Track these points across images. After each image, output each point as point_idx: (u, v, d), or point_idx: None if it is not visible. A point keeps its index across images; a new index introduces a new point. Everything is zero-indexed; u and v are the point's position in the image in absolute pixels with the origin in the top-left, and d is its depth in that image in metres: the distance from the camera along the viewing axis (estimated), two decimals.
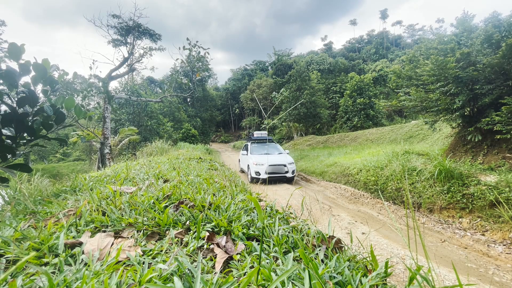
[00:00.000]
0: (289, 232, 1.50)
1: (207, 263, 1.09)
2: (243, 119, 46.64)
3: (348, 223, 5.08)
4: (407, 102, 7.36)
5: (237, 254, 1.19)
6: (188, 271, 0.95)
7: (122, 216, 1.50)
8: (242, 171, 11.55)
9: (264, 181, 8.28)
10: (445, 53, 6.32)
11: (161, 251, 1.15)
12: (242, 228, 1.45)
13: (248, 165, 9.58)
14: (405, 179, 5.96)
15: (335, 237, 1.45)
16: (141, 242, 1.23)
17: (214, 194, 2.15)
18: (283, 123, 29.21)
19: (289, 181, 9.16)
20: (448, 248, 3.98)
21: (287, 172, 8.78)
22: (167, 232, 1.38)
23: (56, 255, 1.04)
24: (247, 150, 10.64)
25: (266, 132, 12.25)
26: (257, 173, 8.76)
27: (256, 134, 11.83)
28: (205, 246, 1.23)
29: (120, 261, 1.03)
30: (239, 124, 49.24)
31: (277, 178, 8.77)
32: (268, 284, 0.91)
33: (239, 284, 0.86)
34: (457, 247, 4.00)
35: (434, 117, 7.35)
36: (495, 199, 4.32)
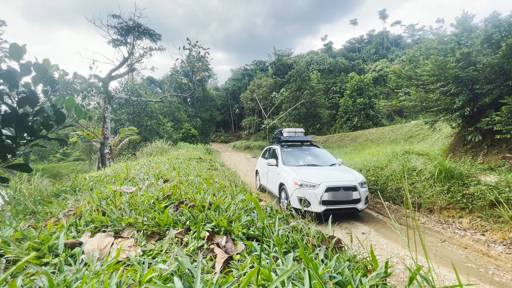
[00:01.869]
0: (289, 232, 1.50)
1: (207, 263, 1.09)
2: (243, 119, 46.62)
3: (348, 223, 5.08)
4: (407, 102, 7.36)
5: (237, 254, 1.19)
6: (188, 271, 0.95)
7: (122, 216, 1.50)
8: (264, 190, 7.24)
9: (317, 216, 4.57)
10: (445, 53, 6.32)
11: (161, 251, 1.15)
12: (242, 228, 1.45)
13: (281, 185, 5.72)
14: (405, 179, 5.96)
15: (335, 237, 1.45)
16: (141, 242, 1.23)
17: (214, 194, 2.15)
18: (283, 123, 29.19)
19: (355, 213, 5.48)
20: (448, 248, 3.98)
21: (358, 200, 5.02)
22: (167, 232, 1.38)
23: (56, 255, 1.04)
24: (275, 158, 6.63)
25: (302, 130, 7.92)
26: (305, 201, 4.88)
27: (288, 132, 7.75)
28: (205, 246, 1.23)
29: (120, 261, 1.03)
30: (239, 124, 49.23)
31: (341, 212, 5.08)
32: (268, 284, 0.91)
33: (239, 284, 0.86)
34: (457, 247, 4.00)
35: (434, 117, 7.35)
36: (495, 199, 4.32)
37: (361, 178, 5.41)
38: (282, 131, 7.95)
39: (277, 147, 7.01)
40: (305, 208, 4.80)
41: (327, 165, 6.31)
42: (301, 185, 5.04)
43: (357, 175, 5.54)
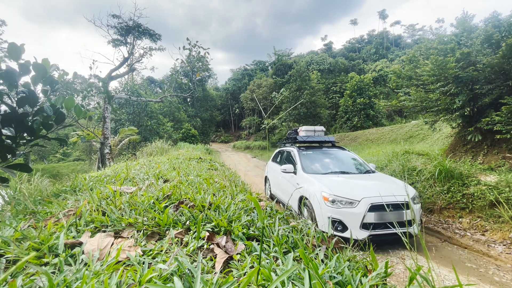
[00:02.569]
0: (289, 232, 1.50)
1: (207, 263, 1.09)
2: (243, 119, 46.64)
3: None
4: (407, 102, 7.36)
5: (237, 254, 1.19)
6: (188, 271, 0.95)
7: (122, 216, 1.50)
8: (277, 201, 5.74)
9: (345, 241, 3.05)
10: (445, 53, 6.32)
11: (161, 251, 1.15)
12: (242, 228, 1.45)
13: (301, 199, 4.33)
14: (405, 179, 5.95)
15: (335, 236, 1.45)
16: (141, 242, 1.23)
17: (214, 194, 2.15)
18: (283, 123, 29.18)
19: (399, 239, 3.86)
20: (448, 248, 3.98)
21: (410, 222, 3.64)
22: (167, 232, 1.38)
23: (56, 255, 1.04)
24: (292, 163, 5.24)
25: (322, 128, 6.60)
26: (339, 224, 3.66)
27: (305, 131, 6.40)
28: (205, 246, 1.23)
29: (120, 261, 1.03)
30: (239, 124, 49.25)
31: (389, 238, 3.65)
32: (268, 284, 0.91)
33: (239, 284, 0.86)
34: (457, 247, 4.00)
35: (434, 117, 7.34)
36: (495, 199, 4.32)
37: (412, 191, 4.07)
38: (298, 130, 6.59)
39: (293, 150, 5.60)
40: (340, 234, 3.58)
41: (361, 172, 4.92)
42: (333, 201, 3.74)
43: (408, 187, 4.19)
